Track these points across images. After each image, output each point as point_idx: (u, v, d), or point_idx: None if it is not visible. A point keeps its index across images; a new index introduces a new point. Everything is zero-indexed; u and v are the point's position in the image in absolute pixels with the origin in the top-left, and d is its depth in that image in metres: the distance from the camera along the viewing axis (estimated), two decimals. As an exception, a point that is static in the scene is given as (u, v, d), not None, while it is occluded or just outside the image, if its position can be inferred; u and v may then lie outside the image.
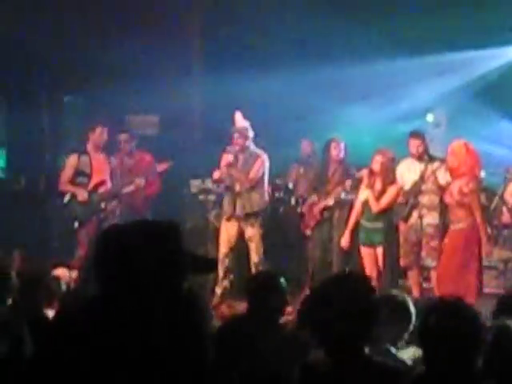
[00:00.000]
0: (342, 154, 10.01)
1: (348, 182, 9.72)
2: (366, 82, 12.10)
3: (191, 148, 10.60)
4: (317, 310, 3.31)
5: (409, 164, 9.43)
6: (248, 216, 9.67)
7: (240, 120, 9.72)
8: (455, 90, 12.43)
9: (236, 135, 9.66)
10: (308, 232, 10.15)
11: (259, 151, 9.80)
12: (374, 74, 11.85)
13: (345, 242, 9.52)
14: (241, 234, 9.76)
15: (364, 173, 9.32)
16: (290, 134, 11.58)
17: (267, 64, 11.41)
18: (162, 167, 10.14)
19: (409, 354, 4.83)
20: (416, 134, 9.46)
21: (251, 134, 9.74)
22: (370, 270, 9.25)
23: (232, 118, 9.74)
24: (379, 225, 9.27)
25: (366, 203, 9.38)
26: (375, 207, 9.24)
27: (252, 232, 9.71)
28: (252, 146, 9.79)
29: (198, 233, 9.71)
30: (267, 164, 9.77)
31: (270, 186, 10.58)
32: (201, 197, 10.75)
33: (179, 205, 10.99)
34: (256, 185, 9.70)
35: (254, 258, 9.72)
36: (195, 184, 10.61)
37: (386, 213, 9.25)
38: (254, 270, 9.62)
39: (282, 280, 5.18)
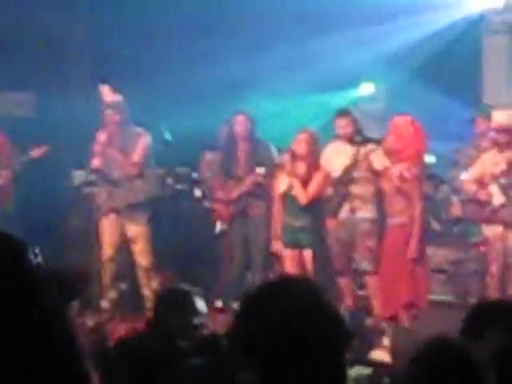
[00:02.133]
0: (248, 131, 9.08)
1: (260, 170, 8.83)
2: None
3: (76, 132, 9.50)
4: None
5: (337, 147, 8.52)
6: (130, 209, 8.63)
7: (108, 94, 8.72)
8: (397, 56, 11.06)
9: (108, 112, 8.61)
10: (222, 227, 9.18)
11: (140, 129, 8.79)
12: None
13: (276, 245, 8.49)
14: (123, 233, 8.81)
15: (285, 158, 8.28)
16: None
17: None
18: (36, 153, 9.15)
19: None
20: (342, 113, 8.68)
21: (124, 108, 8.73)
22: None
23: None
24: (306, 221, 8.20)
25: (286, 195, 8.30)
26: (303, 198, 8.11)
27: (135, 230, 8.68)
28: (130, 124, 8.76)
29: (81, 232, 9.03)
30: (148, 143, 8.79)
31: (171, 176, 9.67)
32: (85, 190, 9.70)
33: (59, 200, 10.00)
34: (139, 170, 8.68)
35: (142, 262, 8.71)
36: (79, 175, 9.64)
37: (312, 206, 8.21)
38: (143, 277, 8.74)
39: (199, 299, 4.62)
